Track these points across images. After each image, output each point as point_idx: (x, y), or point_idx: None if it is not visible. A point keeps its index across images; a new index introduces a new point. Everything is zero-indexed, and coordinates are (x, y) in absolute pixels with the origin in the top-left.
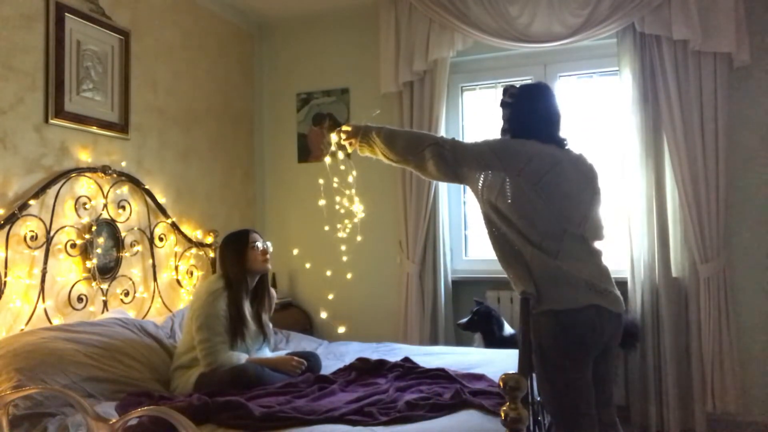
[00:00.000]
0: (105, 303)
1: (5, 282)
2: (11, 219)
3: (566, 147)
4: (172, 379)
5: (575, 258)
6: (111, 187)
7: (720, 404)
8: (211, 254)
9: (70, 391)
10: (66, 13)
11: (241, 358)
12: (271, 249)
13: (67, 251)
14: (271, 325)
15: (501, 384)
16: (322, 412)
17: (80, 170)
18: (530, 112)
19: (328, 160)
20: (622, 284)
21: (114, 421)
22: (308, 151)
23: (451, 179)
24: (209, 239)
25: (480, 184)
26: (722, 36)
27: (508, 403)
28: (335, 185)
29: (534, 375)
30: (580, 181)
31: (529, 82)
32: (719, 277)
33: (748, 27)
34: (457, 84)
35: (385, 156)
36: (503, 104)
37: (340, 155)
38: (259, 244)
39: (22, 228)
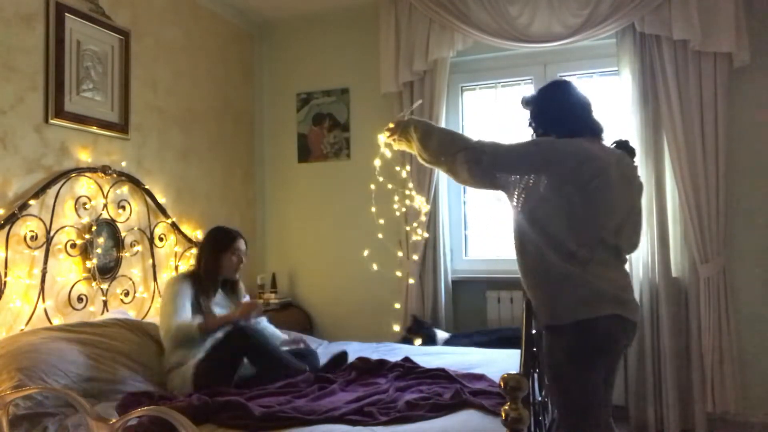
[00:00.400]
0: (105, 303)
1: (5, 282)
2: (11, 219)
3: (603, 140)
4: (168, 381)
5: (605, 267)
6: (111, 187)
7: (720, 404)
8: None
9: (71, 391)
10: (66, 13)
11: (194, 320)
12: (245, 260)
13: (67, 251)
14: (242, 287)
15: (502, 384)
16: (322, 411)
17: (80, 170)
18: (557, 108)
19: (377, 162)
20: None
21: (114, 421)
22: (308, 151)
23: (485, 185)
24: None
25: (519, 190)
26: (722, 36)
27: (509, 403)
28: (390, 187)
29: (536, 375)
30: (622, 187)
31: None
32: (719, 277)
33: (748, 27)
34: (457, 84)
35: (419, 154)
36: (527, 111)
37: (388, 153)
38: (241, 254)
39: (22, 228)
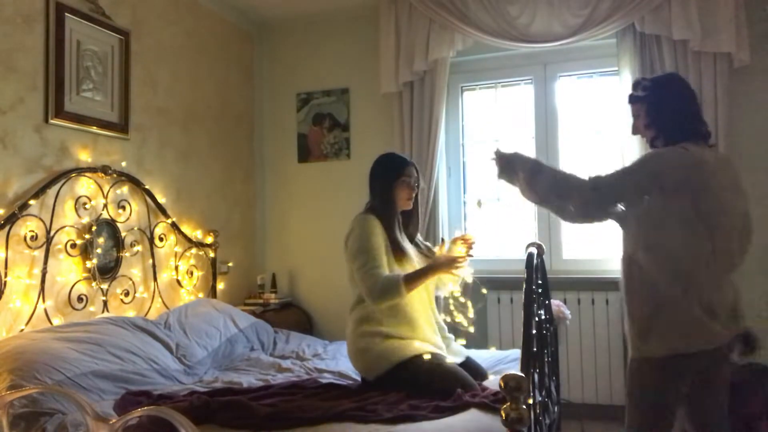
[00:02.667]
0: (105, 303)
1: (5, 282)
2: (11, 219)
3: (710, 142)
4: (356, 351)
5: (716, 286)
6: (111, 187)
7: None
8: (212, 254)
9: (67, 388)
10: (66, 13)
11: (399, 275)
12: (422, 186)
13: (67, 251)
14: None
15: (502, 384)
16: (326, 409)
17: (80, 170)
18: (671, 106)
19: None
20: None
21: (114, 420)
22: (308, 151)
23: (599, 220)
24: (209, 239)
25: (636, 216)
26: (722, 36)
27: (509, 403)
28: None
29: (536, 375)
30: (733, 192)
31: (660, 74)
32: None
33: (748, 27)
34: (457, 84)
35: (522, 193)
36: (634, 98)
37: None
38: (411, 181)
39: (22, 228)
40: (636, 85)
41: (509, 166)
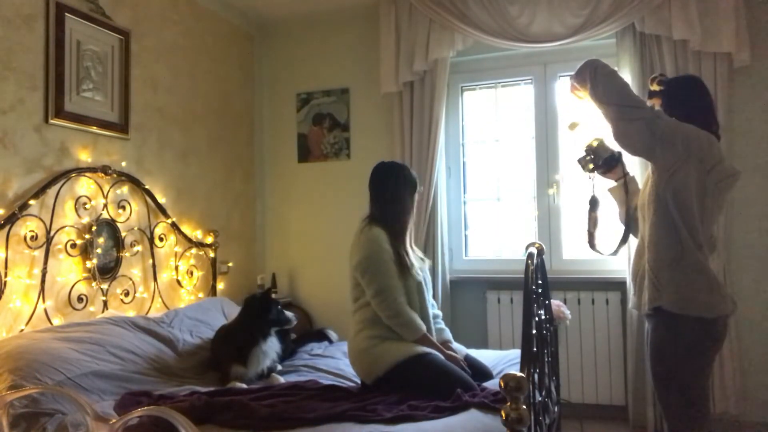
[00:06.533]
0: (105, 303)
1: (5, 282)
2: (11, 219)
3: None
4: (358, 354)
5: (709, 264)
6: (111, 187)
7: (720, 405)
8: (212, 254)
9: (68, 388)
10: (66, 13)
11: (422, 327)
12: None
13: (67, 251)
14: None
15: (502, 384)
16: (326, 409)
17: (80, 170)
18: (688, 102)
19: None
20: (621, 284)
21: (114, 420)
22: (308, 151)
23: (642, 154)
24: (209, 239)
25: (670, 169)
26: (722, 36)
27: (509, 403)
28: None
29: (536, 375)
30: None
31: (681, 75)
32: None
33: (748, 27)
34: (457, 84)
35: (588, 91)
36: (651, 93)
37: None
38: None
39: (22, 228)
40: (653, 80)
41: (584, 68)
